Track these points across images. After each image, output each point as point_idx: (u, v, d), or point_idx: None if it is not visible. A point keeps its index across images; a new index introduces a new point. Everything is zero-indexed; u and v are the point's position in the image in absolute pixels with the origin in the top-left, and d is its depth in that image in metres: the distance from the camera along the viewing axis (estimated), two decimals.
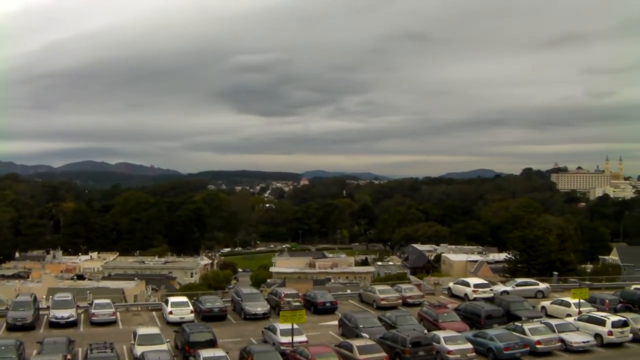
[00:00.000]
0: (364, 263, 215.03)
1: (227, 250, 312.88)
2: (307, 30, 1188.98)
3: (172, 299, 63.81)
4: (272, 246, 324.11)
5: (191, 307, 61.21)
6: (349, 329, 54.92)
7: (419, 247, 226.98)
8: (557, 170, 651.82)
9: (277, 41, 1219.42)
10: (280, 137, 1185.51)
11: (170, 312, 60.20)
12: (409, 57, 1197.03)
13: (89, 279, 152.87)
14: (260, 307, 62.97)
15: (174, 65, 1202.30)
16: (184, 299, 64.56)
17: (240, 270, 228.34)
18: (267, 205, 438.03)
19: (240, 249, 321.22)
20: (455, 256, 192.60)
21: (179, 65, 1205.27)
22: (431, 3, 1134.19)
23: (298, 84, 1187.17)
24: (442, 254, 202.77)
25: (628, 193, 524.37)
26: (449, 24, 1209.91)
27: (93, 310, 60.71)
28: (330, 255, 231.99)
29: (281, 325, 50.51)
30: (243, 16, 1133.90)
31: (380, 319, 56.13)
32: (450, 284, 78.30)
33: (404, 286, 74.10)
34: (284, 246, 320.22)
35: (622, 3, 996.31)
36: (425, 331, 52.61)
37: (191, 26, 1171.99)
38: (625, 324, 53.78)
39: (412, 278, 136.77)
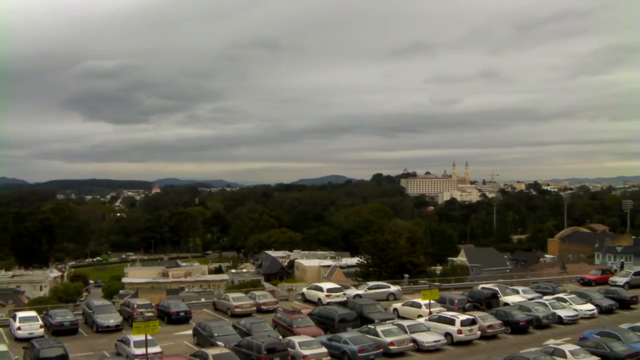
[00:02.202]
0: (218, 271, 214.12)
1: (77, 261, 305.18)
2: (161, 35, 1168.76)
3: (20, 314, 61.57)
4: (123, 256, 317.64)
5: (41, 322, 59.31)
6: (203, 338, 54.67)
7: (273, 253, 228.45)
8: (407, 175, 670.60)
9: (129, 46, 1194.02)
10: (131, 145, 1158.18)
11: (19, 328, 58.04)
12: (261, 64, 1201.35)
13: None
14: (113, 319, 61.71)
15: (20, 70, 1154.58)
16: (32, 313, 62.38)
17: (91, 281, 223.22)
18: (119, 214, 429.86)
19: (91, 259, 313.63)
20: (309, 262, 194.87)
21: (26, 70, 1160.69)
22: (282, 11, 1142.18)
23: (150, 91, 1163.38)
24: (296, 260, 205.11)
25: (474, 197, 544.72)
26: (300, 32, 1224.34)
27: None
28: (184, 264, 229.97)
29: (134, 337, 49.63)
30: (94, 20, 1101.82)
31: (234, 327, 56.18)
32: (304, 290, 79.19)
33: (257, 293, 74.42)
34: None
35: (466, 15, 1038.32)
36: (280, 337, 52.93)
37: (40, 29, 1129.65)
38: (473, 322, 56.20)
39: (266, 285, 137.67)
